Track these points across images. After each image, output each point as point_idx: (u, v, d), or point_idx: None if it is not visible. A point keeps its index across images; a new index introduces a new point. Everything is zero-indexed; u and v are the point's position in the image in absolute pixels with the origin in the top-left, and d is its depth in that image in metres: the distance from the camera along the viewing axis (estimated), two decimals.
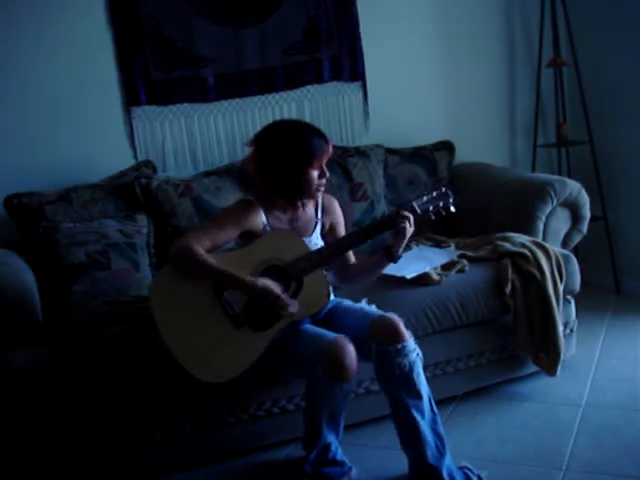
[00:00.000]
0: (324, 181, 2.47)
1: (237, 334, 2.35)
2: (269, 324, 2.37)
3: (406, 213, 2.43)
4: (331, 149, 2.46)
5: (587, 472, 2.41)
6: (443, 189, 2.53)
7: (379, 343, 2.34)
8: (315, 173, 2.42)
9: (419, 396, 2.33)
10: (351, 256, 2.65)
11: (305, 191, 2.45)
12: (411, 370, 2.32)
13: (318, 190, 2.47)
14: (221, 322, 2.36)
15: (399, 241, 2.45)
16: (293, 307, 2.36)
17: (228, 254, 2.43)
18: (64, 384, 2.47)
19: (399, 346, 2.31)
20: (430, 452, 2.33)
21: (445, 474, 2.32)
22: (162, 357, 2.38)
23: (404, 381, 2.32)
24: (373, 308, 2.54)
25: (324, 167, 2.45)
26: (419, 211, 2.47)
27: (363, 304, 2.59)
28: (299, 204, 2.52)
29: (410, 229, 2.43)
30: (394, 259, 2.50)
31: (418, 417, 2.32)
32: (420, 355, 2.36)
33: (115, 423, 2.53)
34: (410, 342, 2.34)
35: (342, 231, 2.66)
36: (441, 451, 2.35)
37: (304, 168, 2.40)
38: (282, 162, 2.41)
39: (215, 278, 2.36)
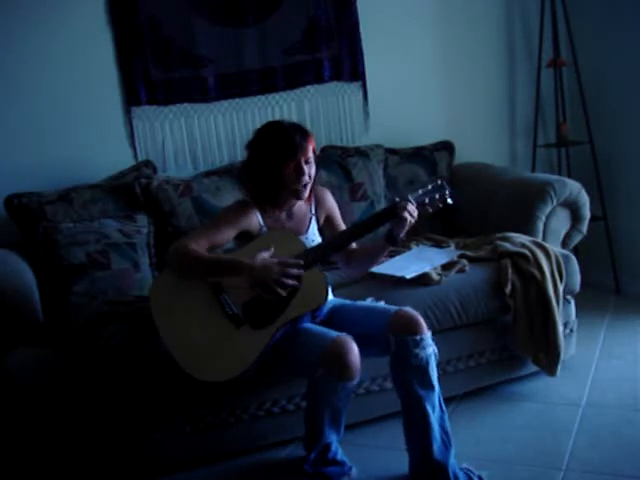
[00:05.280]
0: (306, 178, 2.44)
1: (236, 333, 2.35)
2: (270, 320, 2.36)
3: (405, 203, 2.43)
4: (310, 145, 2.43)
5: (587, 472, 2.41)
6: (439, 181, 2.54)
7: (398, 334, 2.35)
8: (291, 167, 2.41)
9: (432, 388, 2.35)
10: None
11: (286, 188, 2.44)
12: (427, 363, 2.34)
13: (297, 189, 2.44)
14: (220, 322, 2.36)
15: (401, 227, 2.44)
16: (299, 270, 2.34)
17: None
18: (64, 384, 2.47)
19: (418, 337, 2.34)
20: (437, 447, 2.34)
21: (450, 470, 2.34)
22: (162, 357, 2.38)
23: (419, 372, 2.34)
24: (383, 304, 2.55)
25: (302, 164, 2.41)
26: (415, 204, 2.47)
27: (369, 302, 2.59)
28: (288, 205, 2.52)
29: (410, 218, 2.42)
30: (396, 242, 2.51)
31: (429, 410, 2.34)
32: (436, 352, 2.38)
33: (115, 423, 2.53)
34: (429, 335, 2.37)
35: (339, 221, 2.67)
36: (447, 447, 2.37)
37: (281, 163, 2.39)
38: (259, 159, 2.44)
39: (212, 268, 2.37)
